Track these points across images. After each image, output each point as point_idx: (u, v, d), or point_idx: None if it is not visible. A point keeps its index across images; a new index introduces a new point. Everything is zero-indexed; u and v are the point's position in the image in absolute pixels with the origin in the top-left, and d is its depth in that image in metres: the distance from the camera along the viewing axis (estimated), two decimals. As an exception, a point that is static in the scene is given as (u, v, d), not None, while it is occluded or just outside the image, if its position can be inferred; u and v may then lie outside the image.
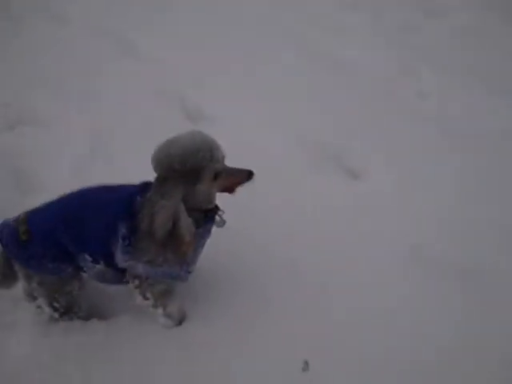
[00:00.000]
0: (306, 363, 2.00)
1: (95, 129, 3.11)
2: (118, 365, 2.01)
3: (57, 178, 2.70)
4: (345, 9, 4.38)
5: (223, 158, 1.84)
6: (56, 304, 2.08)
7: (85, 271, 2.03)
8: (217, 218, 1.98)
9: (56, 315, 2.12)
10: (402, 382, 1.93)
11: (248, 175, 1.86)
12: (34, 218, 1.95)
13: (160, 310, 2.08)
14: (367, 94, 3.45)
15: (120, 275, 2.00)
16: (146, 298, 2.03)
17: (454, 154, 2.92)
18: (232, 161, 1.88)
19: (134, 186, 1.93)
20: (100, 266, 1.96)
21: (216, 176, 1.81)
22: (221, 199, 1.97)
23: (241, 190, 1.93)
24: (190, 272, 2.02)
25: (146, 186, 1.86)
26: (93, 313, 2.19)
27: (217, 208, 1.98)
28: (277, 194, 2.65)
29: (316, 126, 3.12)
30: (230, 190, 1.90)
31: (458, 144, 3.00)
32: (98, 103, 3.33)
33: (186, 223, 1.78)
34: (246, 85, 3.47)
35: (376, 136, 3.06)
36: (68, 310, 2.13)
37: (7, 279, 2.06)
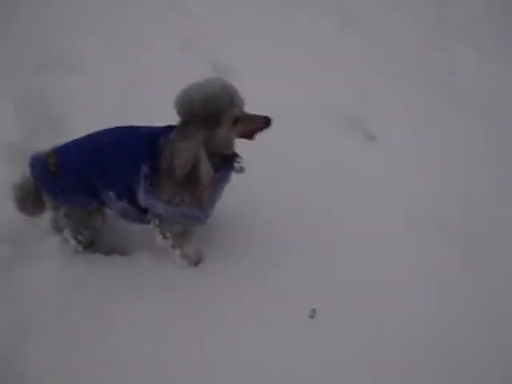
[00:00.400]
0: (314, 311, 2.09)
1: (129, 78, 3.18)
2: (135, 297, 2.12)
3: (88, 122, 2.72)
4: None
5: (242, 104, 1.89)
6: (80, 237, 2.19)
7: (109, 207, 2.13)
8: (236, 164, 2.04)
9: (80, 248, 2.24)
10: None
11: (266, 121, 1.90)
12: (63, 152, 2.04)
13: (177, 251, 2.18)
14: (396, 63, 3.46)
15: (141, 214, 2.10)
16: (165, 238, 2.12)
17: (473, 130, 2.94)
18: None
19: (158, 128, 2.01)
20: (123, 204, 2.06)
21: (235, 121, 1.87)
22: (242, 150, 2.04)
23: (262, 143, 1.98)
24: (208, 215, 2.11)
25: (169, 129, 1.93)
26: (114, 249, 2.30)
27: (236, 155, 2.04)
28: (296, 150, 2.72)
29: (341, 91, 3.14)
30: (249, 135, 1.95)
31: (479, 119, 3.01)
32: (133, 53, 3.39)
33: (205, 167, 1.85)
34: (279, 46, 3.50)
35: (398, 104, 3.11)
36: (91, 243, 2.25)
37: (36, 208, 2.18)
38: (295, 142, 2.72)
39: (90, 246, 2.25)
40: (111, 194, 2.03)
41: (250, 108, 1.91)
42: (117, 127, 2.06)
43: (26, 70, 3.18)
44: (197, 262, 2.25)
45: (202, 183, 1.85)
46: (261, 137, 1.94)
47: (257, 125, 1.91)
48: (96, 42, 3.46)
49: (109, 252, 2.29)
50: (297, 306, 2.10)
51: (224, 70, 3.24)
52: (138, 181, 1.95)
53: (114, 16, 3.74)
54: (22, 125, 2.77)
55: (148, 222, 2.12)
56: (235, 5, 3.86)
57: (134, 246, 2.31)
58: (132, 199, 2.03)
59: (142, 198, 2.00)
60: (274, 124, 1.90)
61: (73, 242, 2.21)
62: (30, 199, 2.13)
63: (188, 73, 3.05)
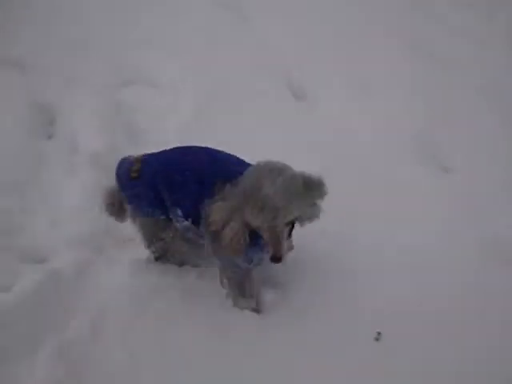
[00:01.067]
0: (379, 334, 2.09)
1: (201, 93, 3.31)
2: (205, 309, 2.18)
3: (162, 135, 2.93)
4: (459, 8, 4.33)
5: (278, 221, 1.78)
6: (153, 247, 2.28)
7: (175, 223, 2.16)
8: None
9: (152, 257, 2.33)
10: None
11: (273, 257, 1.83)
12: (148, 160, 2.13)
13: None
14: (471, 90, 3.44)
15: (200, 238, 2.11)
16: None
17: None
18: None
19: (239, 161, 2.04)
20: (187, 223, 2.08)
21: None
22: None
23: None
24: (250, 266, 2.08)
25: (245, 167, 1.93)
26: (186, 260, 2.35)
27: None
28: (365, 183, 2.72)
29: (416, 121, 3.18)
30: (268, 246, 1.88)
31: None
32: (209, 69, 3.51)
33: (233, 230, 1.83)
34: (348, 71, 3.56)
35: (468, 132, 3.11)
36: (162, 254, 2.32)
37: (121, 213, 2.26)
38: (362, 175, 2.75)
39: (162, 257, 2.33)
40: (179, 212, 2.07)
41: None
42: (204, 148, 2.11)
43: (108, 86, 3.36)
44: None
45: (223, 241, 1.86)
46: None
47: (269, 249, 1.85)
48: (169, 59, 3.61)
49: (181, 263, 2.35)
50: (362, 329, 2.10)
51: (300, 93, 3.34)
52: (208, 203, 1.94)
53: (187, 33, 3.88)
54: (105, 136, 2.91)
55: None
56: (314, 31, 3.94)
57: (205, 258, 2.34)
58: (196, 220, 2.05)
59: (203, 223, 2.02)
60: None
61: (147, 250, 2.30)
62: (115, 204, 2.24)
63: (262, 92, 3.21)
